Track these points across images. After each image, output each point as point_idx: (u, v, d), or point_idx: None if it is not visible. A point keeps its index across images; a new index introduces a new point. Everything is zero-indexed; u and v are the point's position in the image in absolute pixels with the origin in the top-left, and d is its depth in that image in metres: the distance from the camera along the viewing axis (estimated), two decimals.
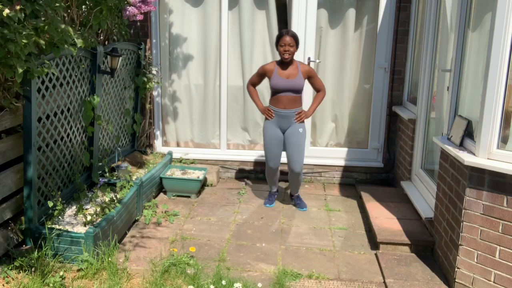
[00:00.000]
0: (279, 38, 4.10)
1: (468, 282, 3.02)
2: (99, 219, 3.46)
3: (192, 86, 5.38)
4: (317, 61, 5.14)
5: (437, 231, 3.51)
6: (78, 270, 3.13)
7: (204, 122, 5.45)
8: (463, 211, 2.99)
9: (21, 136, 3.21)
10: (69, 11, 3.75)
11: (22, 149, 3.19)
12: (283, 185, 5.14)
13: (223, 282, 2.93)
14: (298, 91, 4.15)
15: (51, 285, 2.91)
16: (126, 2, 4.01)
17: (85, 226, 3.43)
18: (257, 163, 5.35)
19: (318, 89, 4.29)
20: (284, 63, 4.14)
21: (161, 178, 4.72)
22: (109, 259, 3.19)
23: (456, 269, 3.07)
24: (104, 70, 4.08)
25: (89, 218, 3.49)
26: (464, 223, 3.00)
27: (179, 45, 5.26)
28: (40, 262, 3.03)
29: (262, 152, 5.37)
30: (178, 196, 4.74)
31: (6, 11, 2.51)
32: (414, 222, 3.91)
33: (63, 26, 2.89)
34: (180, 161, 5.32)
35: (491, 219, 2.87)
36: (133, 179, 4.16)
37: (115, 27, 4.41)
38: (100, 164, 4.27)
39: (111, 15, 3.99)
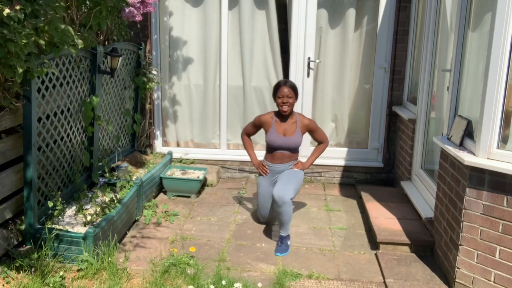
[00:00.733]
0: (276, 88, 3.81)
1: (468, 282, 3.02)
2: (99, 219, 3.46)
3: (192, 86, 5.38)
4: (317, 61, 5.14)
5: (437, 231, 3.51)
6: (78, 270, 3.12)
7: (204, 122, 5.45)
8: (463, 211, 2.99)
9: (21, 136, 3.21)
10: (69, 11, 3.75)
11: (22, 149, 3.19)
12: None
13: (223, 282, 2.93)
14: (295, 149, 3.90)
15: (51, 285, 2.91)
16: (125, 3, 4.00)
17: (85, 226, 3.43)
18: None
19: (320, 141, 4.03)
20: (283, 116, 3.86)
21: (161, 178, 4.72)
22: (109, 259, 3.19)
23: (456, 269, 3.07)
24: (104, 70, 4.08)
25: (89, 218, 3.49)
26: (464, 223, 3.00)
27: (179, 45, 5.26)
28: (40, 262, 3.03)
29: (262, 152, 5.36)
30: (178, 196, 4.74)
31: (6, 10, 2.51)
32: (414, 222, 3.91)
33: (63, 26, 2.89)
34: (180, 161, 5.32)
35: (491, 219, 2.87)
36: (133, 179, 4.16)
37: (115, 27, 4.41)
38: (100, 164, 4.27)
39: (111, 15, 3.99)
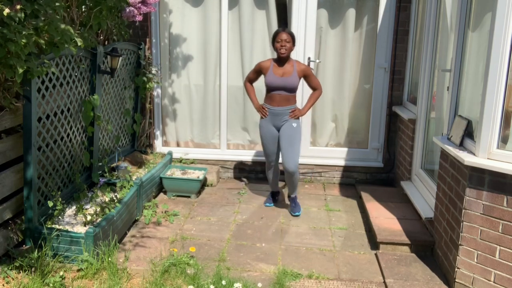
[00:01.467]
0: (275, 35, 4.08)
1: (468, 282, 3.02)
2: (99, 219, 3.45)
3: (192, 86, 5.38)
4: (317, 61, 5.14)
5: (437, 231, 3.51)
6: (78, 270, 3.12)
7: (204, 122, 5.45)
8: (463, 211, 2.99)
9: (21, 136, 3.21)
10: (69, 11, 3.75)
11: (22, 149, 3.19)
12: (281, 184, 5.14)
13: (223, 282, 2.93)
14: (292, 90, 4.11)
15: (51, 285, 2.91)
16: (125, 3, 4.00)
17: (85, 226, 3.43)
18: (257, 163, 5.35)
19: (314, 88, 4.24)
20: (281, 60, 4.11)
21: (161, 178, 4.72)
22: (109, 259, 3.19)
23: (456, 269, 3.07)
24: (104, 70, 4.08)
25: (89, 218, 3.49)
26: (464, 223, 3.00)
27: (179, 45, 5.26)
28: (40, 262, 3.03)
29: (262, 152, 5.37)
30: (178, 196, 4.74)
31: (6, 10, 2.51)
32: (414, 222, 3.91)
33: (63, 26, 2.89)
34: (180, 161, 5.32)
35: (491, 219, 2.87)
36: (133, 179, 4.16)
37: (115, 27, 4.41)
38: (100, 164, 4.27)
39: (111, 15, 3.99)
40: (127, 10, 4.03)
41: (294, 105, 4.20)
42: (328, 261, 3.50)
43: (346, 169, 5.29)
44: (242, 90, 5.32)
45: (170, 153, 5.19)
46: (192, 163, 5.34)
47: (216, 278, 3.05)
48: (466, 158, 2.91)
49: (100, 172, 4.24)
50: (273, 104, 4.16)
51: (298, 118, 4.21)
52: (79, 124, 3.89)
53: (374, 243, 3.76)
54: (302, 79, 4.44)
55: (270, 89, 4.14)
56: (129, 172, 4.37)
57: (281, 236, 3.89)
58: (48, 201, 3.43)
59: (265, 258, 3.52)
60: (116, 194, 3.94)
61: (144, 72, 4.95)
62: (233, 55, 5.23)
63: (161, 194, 4.80)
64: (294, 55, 5.06)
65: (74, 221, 3.51)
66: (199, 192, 4.82)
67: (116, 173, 4.36)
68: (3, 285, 2.86)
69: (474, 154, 2.97)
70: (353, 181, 5.29)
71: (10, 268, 3.00)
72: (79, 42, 3.02)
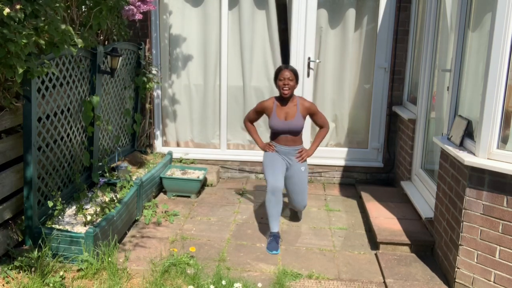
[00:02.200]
0: (278, 72, 3.85)
1: (468, 282, 3.02)
2: (99, 219, 3.46)
3: (192, 86, 5.38)
4: (317, 61, 5.14)
5: (437, 231, 3.51)
6: (78, 270, 3.12)
7: (204, 122, 5.45)
8: (463, 211, 2.99)
9: (21, 136, 3.21)
10: (69, 11, 3.75)
11: (22, 149, 3.19)
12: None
13: (223, 282, 2.93)
14: (297, 132, 3.90)
15: (51, 285, 2.91)
16: (125, 2, 4.00)
17: (85, 226, 3.43)
18: (257, 163, 5.35)
19: (321, 126, 4.01)
20: (283, 100, 3.87)
21: (161, 178, 4.72)
22: (109, 259, 3.19)
23: (456, 269, 3.07)
24: (104, 70, 4.08)
25: (89, 218, 3.49)
26: (464, 223, 3.00)
27: (179, 45, 5.26)
28: (40, 262, 3.03)
29: (262, 152, 5.36)
30: (178, 196, 4.74)
31: (6, 10, 2.51)
32: (414, 222, 3.91)
33: (63, 26, 2.89)
34: (180, 161, 5.32)
35: (491, 219, 2.87)
36: (133, 179, 4.16)
37: (115, 27, 4.41)
38: (100, 164, 4.27)
39: (111, 15, 3.99)
40: (127, 8, 4.03)
41: (300, 146, 3.97)
42: (328, 261, 3.50)
43: (346, 169, 5.29)
44: (242, 90, 5.32)
45: (170, 153, 5.20)
46: (192, 163, 5.34)
47: (216, 278, 3.06)
48: (466, 158, 2.91)
49: (100, 172, 4.25)
50: (281, 143, 3.93)
51: (305, 160, 3.99)
52: (79, 124, 3.89)
53: (374, 243, 3.76)
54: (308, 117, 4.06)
55: (275, 132, 3.93)
56: (129, 172, 4.37)
57: (281, 236, 3.89)
58: (48, 201, 3.43)
59: (265, 258, 3.52)
60: (116, 194, 3.94)
61: (144, 72, 4.95)
62: (233, 55, 5.23)
63: (161, 194, 4.80)
64: (294, 55, 5.07)
65: (74, 221, 3.51)
66: (199, 192, 4.82)
67: (116, 173, 4.36)
68: (3, 285, 2.86)
69: (474, 154, 2.97)
70: (353, 181, 5.29)
71: (10, 268, 3.00)
72: (79, 43, 3.02)
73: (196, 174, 4.88)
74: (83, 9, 3.90)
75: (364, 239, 3.89)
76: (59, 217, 3.54)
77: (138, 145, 5.22)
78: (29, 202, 3.19)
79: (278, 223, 3.80)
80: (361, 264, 3.48)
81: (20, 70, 2.69)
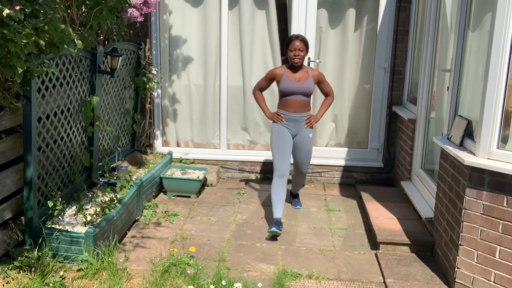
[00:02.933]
0: (289, 42, 3.97)
1: (468, 282, 3.02)
2: (99, 219, 3.46)
3: (192, 86, 5.38)
4: (317, 61, 5.14)
5: (437, 231, 3.51)
6: (78, 270, 3.12)
7: (204, 122, 5.45)
8: (463, 211, 2.99)
9: (21, 136, 3.21)
10: (69, 11, 3.75)
11: (22, 149, 3.19)
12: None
13: (223, 282, 2.93)
14: (309, 94, 4.03)
15: (51, 285, 2.91)
16: (127, 4, 4.00)
17: (85, 226, 3.43)
18: (257, 163, 5.35)
19: (327, 94, 4.20)
20: (294, 68, 4.01)
21: (161, 178, 4.72)
22: (109, 259, 3.19)
23: (456, 269, 3.07)
24: (104, 70, 4.08)
25: (89, 218, 3.49)
26: (464, 223, 3.00)
27: (179, 45, 5.26)
28: (40, 262, 3.03)
29: (262, 152, 5.38)
30: (178, 196, 4.74)
31: (6, 11, 2.51)
32: (414, 222, 3.91)
33: (63, 26, 2.89)
34: (180, 161, 5.32)
35: (491, 219, 2.87)
36: (133, 179, 4.16)
37: (115, 27, 4.41)
38: (100, 164, 4.27)
39: (111, 15, 3.99)
40: (129, 11, 4.02)
41: (309, 112, 4.11)
42: (328, 261, 3.50)
43: (346, 169, 5.29)
44: (242, 90, 5.32)
45: (170, 153, 5.20)
46: (192, 163, 5.34)
47: (216, 278, 3.06)
48: (466, 158, 2.91)
49: (100, 172, 4.25)
50: (290, 110, 4.03)
51: (312, 127, 4.15)
52: (79, 124, 3.89)
53: (374, 243, 3.76)
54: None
55: (286, 94, 4.01)
56: (129, 172, 4.37)
57: (281, 236, 3.89)
58: (48, 201, 3.43)
59: (265, 258, 3.52)
60: (116, 194, 3.94)
61: (144, 72, 4.95)
62: (233, 55, 5.23)
63: (161, 194, 4.80)
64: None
65: (74, 221, 3.51)
66: (199, 192, 4.82)
67: (116, 173, 4.36)
68: (3, 285, 2.86)
69: (474, 154, 2.97)
70: (353, 181, 5.29)
71: (10, 268, 3.00)
72: (79, 44, 3.02)
73: (196, 174, 4.88)
74: (83, 9, 3.90)
75: (364, 239, 3.89)
76: (59, 217, 3.54)
77: (138, 145, 5.22)
78: (29, 202, 3.19)
79: (281, 209, 3.96)
80: (361, 264, 3.48)
81: (20, 70, 2.69)
